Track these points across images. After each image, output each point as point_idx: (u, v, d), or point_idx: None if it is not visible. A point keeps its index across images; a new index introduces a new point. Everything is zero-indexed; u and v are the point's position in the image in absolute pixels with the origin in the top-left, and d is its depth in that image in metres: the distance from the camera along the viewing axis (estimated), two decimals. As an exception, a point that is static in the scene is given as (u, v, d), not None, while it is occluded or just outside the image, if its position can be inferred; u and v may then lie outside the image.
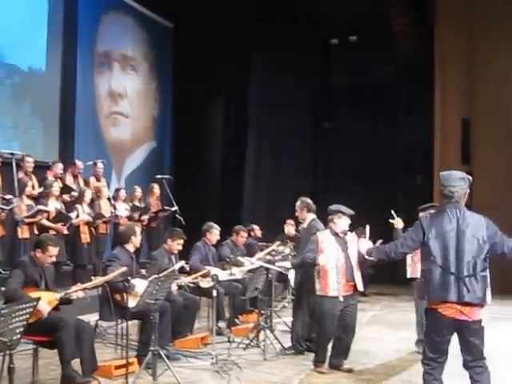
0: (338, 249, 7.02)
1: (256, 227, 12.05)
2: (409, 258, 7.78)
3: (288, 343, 8.00)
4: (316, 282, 7.06)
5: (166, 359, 6.50)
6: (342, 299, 6.93)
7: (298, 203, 8.03)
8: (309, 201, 8.02)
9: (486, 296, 4.96)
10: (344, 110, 17.27)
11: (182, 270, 8.49)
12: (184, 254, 8.82)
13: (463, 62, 15.68)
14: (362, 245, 6.59)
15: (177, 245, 8.26)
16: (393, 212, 7.20)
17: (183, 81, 16.14)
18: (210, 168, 17.42)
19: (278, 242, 9.87)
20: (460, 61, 15.67)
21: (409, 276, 8.16)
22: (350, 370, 7.06)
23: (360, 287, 7.12)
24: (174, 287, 7.84)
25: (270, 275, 8.16)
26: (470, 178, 5.16)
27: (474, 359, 4.93)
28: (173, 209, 12.10)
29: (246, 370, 7.07)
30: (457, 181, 5.08)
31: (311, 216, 7.93)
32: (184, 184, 14.68)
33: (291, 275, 9.13)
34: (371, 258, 5.68)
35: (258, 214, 15.99)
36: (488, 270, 4.98)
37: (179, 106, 16.73)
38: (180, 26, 16.52)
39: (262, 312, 8.35)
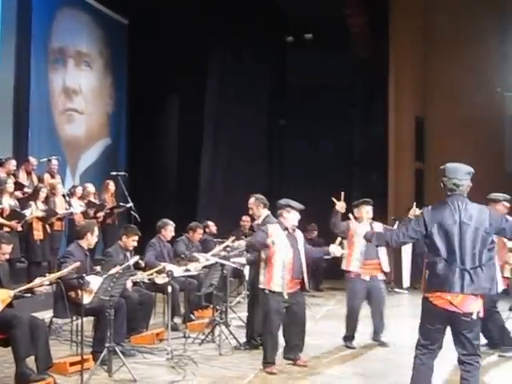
0: (287, 244, 6.98)
1: (211, 223, 12.08)
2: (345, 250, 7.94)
3: (243, 338, 8.05)
4: (261, 273, 7.02)
5: (121, 355, 6.51)
6: (286, 296, 6.88)
7: (253, 200, 8.01)
8: (262, 197, 8.07)
9: (493, 286, 5.16)
10: (299, 107, 17.40)
11: (137, 266, 8.49)
12: (139, 251, 8.81)
13: (417, 62, 15.96)
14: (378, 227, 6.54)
15: (132, 241, 8.26)
16: (342, 194, 7.39)
17: (138, 78, 16.06)
18: (165, 165, 17.39)
19: (232, 238, 9.91)
20: (414, 60, 15.95)
21: (343, 268, 8.32)
22: (304, 365, 7.09)
23: (306, 286, 7.07)
24: (129, 283, 7.84)
25: (225, 271, 8.20)
26: (473, 171, 5.19)
27: (466, 354, 4.96)
28: (128, 205, 12.07)
29: (201, 366, 7.10)
30: (463, 175, 5.12)
31: (266, 212, 7.94)
32: (139, 181, 14.62)
33: (246, 271, 9.19)
34: (375, 243, 5.72)
35: (213, 211, 16.01)
36: (495, 260, 5.10)
37: (134, 102, 16.65)
38: (135, 22, 16.43)
39: (217, 307, 8.39)
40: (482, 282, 4.90)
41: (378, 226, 8.28)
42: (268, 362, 6.93)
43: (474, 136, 15.27)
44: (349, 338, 8.29)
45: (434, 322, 5.01)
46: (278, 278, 6.88)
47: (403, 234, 5.20)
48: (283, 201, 7.20)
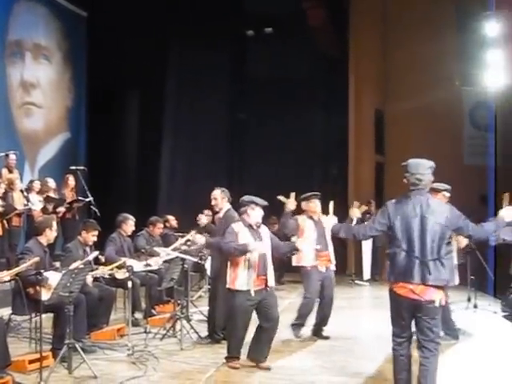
0: (252, 242, 6.87)
1: (171, 218, 12.04)
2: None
3: (205, 333, 8.05)
4: (227, 273, 6.90)
5: (81, 352, 6.45)
6: (253, 294, 6.75)
7: (218, 191, 7.98)
8: (227, 191, 8.07)
9: (452, 277, 5.38)
10: (260, 100, 17.39)
11: (97, 262, 8.42)
12: (99, 246, 8.75)
13: (377, 55, 16.10)
14: (327, 220, 6.54)
15: (91, 236, 8.21)
16: (293, 194, 7.44)
17: (98, 71, 15.88)
18: (125, 159, 17.28)
19: (193, 232, 9.86)
20: (374, 54, 16.08)
21: (294, 264, 8.34)
22: (268, 368, 6.85)
23: (271, 282, 6.93)
24: (90, 279, 7.79)
25: (185, 265, 8.20)
26: (434, 165, 5.36)
27: (426, 339, 5.15)
28: (87, 200, 11.95)
29: (162, 361, 7.08)
30: (425, 169, 5.31)
31: (227, 206, 7.98)
32: (99, 175, 14.48)
33: (208, 264, 9.18)
34: (342, 235, 5.73)
35: (173, 205, 15.97)
36: (454, 253, 5.39)
37: (94, 96, 16.48)
38: (94, 14, 16.24)
39: (179, 302, 8.38)
40: (441, 274, 5.09)
41: (327, 220, 7.89)
42: (231, 356, 6.90)
43: (432, 129, 15.48)
44: (298, 326, 8.35)
45: (400, 311, 5.20)
46: (243, 277, 6.77)
47: (370, 227, 5.41)
48: (247, 198, 7.11)
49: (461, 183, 8.71)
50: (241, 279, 6.78)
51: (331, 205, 6.83)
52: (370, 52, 16.04)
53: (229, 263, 6.93)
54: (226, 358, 6.94)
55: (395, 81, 16.00)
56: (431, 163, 5.35)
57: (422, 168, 5.30)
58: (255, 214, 7.01)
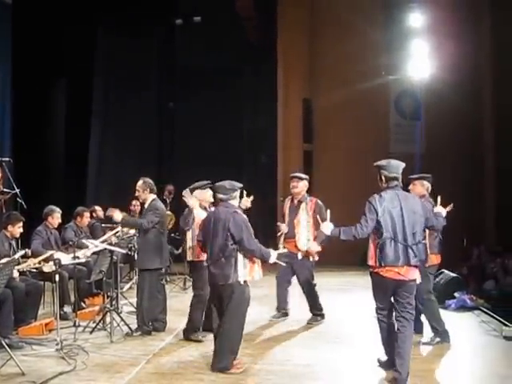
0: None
1: (98, 208, 11.86)
2: (189, 240, 7.75)
3: (135, 325, 8.00)
4: (238, 265, 6.46)
5: (7, 349, 6.34)
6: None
7: (141, 183, 8.00)
8: (151, 181, 8.03)
9: (426, 258, 6.85)
10: (189, 90, 17.29)
11: (23, 256, 8.24)
12: (26, 239, 8.58)
13: (305, 45, 16.20)
14: (324, 227, 6.55)
15: (18, 228, 8.09)
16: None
17: (24, 60, 15.46)
18: (52, 150, 16.91)
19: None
20: (302, 43, 16.18)
21: (189, 259, 7.87)
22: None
23: None
24: (16, 273, 7.62)
25: (114, 257, 8.10)
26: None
27: (403, 310, 6.05)
28: (14, 192, 11.67)
29: (92, 354, 7.01)
30: (401, 169, 6.25)
31: (152, 196, 7.98)
32: (25, 167, 14.12)
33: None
34: (343, 238, 6.21)
35: (103, 196, 15.76)
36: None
37: (19, 85, 16.02)
38: (19, 2, 15.76)
39: (108, 294, 8.30)
40: (421, 255, 6.17)
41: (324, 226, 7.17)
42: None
43: (360, 118, 15.72)
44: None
45: (385, 290, 6.12)
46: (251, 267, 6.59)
47: (365, 225, 6.04)
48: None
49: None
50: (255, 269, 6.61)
51: (328, 212, 6.72)
52: (298, 42, 16.11)
53: (239, 256, 6.51)
54: (233, 360, 6.53)
55: (323, 70, 16.13)
56: (404, 164, 6.30)
57: (400, 168, 6.24)
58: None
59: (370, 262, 6.10)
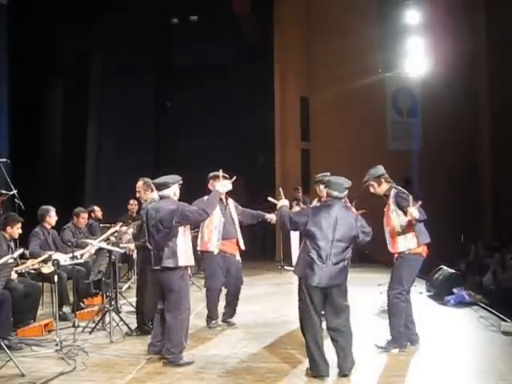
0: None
1: (96, 208, 11.85)
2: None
3: (135, 324, 7.99)
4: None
5: (6, 350, 6.33)
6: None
7: (141, 183, 7.98)
8: (151, 181, 8.01)
9: None
10: (186, 89, 17.31)
11: (22, 257, 8.24)
12: (24, 241, 8.57)
13: (301, 44, 16.22)
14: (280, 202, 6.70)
15: (16, 229, 8.09)
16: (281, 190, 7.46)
17: (20, 59, 15.47)
18: (50, 150, 16.92)
19: (120, 224, 9.74)
20: (298, 42, 16.20)
21: (202, 248, 8.32)
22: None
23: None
24: (14, 275, 7.61)
25: (113, 257, 8.10)
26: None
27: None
28: (11, 193, 11.66)
29: (92, 354, 6.99)
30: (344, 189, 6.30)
31: (152, 195, 7.94)
32: (23, 167, 14.15)
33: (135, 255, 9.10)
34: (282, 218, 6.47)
35: (100, 196, 15.76)
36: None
37: (16, 86, 16.04)
38: (15, 2, 15.74)
39: (107, 294, 8.29)
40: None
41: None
42: None
43: (357, 115, 15.75)
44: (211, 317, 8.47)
45: (418, 269, 7.10)
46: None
47: (296, 221, 6.34)
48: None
49: (386, 168, 8.87)
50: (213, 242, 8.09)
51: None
52: (294, 40, 16.13)
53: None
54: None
55: (320, 69, 16.15)
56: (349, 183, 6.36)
57: (343, 187, 6.30)
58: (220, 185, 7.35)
59: (412, 245, 6.86)
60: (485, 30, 15.24)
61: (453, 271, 10.44)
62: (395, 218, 7.05)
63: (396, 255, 7.06)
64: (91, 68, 17.18)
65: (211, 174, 8.32)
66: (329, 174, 8.07)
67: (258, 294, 10.57)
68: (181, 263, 6.60)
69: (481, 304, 9.49)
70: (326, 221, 6.10)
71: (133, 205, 12.04)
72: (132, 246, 8.25)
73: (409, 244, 6.90)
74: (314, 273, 6.04)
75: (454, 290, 9.90)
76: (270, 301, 10.15)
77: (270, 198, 7.51)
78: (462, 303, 9.60)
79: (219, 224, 8.16)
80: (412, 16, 14.76)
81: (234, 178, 7.72)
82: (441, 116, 15.34)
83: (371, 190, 7.30)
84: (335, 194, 6.24)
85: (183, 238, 6.68)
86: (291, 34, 16.03)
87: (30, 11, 14.94)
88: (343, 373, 6.13)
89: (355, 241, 6.23)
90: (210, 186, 8.25)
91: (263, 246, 16.08)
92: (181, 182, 6.89)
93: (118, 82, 16.98)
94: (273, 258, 15.45)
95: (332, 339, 6.23)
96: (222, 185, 7.23)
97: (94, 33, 17.10)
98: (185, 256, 6.64)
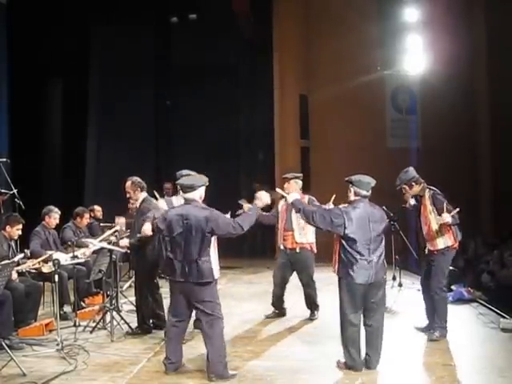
0: None
1: (97, 208, 11.86)
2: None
3: (135, 323, 8.01)
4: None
5: (8, 350, 6.36)
6: None
7: (129, 184, 7.97)
8: (139, 179, 8.01)
9: None
10: (185, 88, 17.32)
11: (23, 257, 8.26)
12: (24, 240, 8.59)
13: (300, 41, 16.19)
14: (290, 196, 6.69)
15: (16, 230, 8.10)
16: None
17: (19, 60, 15.46)
18: (50, 149, 16.94)
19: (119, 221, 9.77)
20: (297, 40, 16.17)
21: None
22: None
23: None
24: (15, 274, 7.64)
25: (113, 256, 8.12)
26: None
27: None
28: (11, 192, 11.68)
29: (93, 354, 7.02)
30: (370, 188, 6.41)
31: (143, 195, 7.97)
32: (23, 167, 14.16)
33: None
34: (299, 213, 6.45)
35: (101, 194, 15.78)
36: None
37: (16, 85, 16.04)
38: (14, 1, 15.75)
39: (108, 293, 8.31)
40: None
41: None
42: None
43: (356, 113, 15.73)
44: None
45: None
46: None
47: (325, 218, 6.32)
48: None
49: (385, 165, 8.94)
50: None
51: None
52: (293, 38, 16.10)
53: None
54: None
55: (319, 66, 16.13)
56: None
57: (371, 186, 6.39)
58: None
59: (449, 242, 7.42)
60: (484, 28, 15.23)
61: (452, 268, 10.43)
62: (433, 218, 7.46)
63: (435, 252, 7.51)
64: (90, 68, 17.17)
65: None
66: (299, 173, 8.59)
67: (258, 293, 10.60)
68: (216, 276, 6.25)
69: (480, 301, 9.51)
70: (362, 220, 6.24)
71: (133, 204, 12.04)
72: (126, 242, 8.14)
73: (447, 241, 7.45)
74: (359, 271, 6.18)
75: (453, 287, 9.91)
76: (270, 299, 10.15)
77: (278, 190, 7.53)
78: (461, 300, 9.62)
79: None
80: (411, 13, 14.74)
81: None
82: (440, 113, 15.33)
83: (404, 192, 7.60)
84: (364, 192, 6.37)
85: (213, 247, 6.29)
86: (290, 31, 16.01)
87: (30, 11, 14.94)
88: (372, 367, 6.34)
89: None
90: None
91: (263, 244, 16.09)
92: (207, 184, 6.44)
93: (117, 81, 16.97)
94: (272, 256, 15.46)
95: (366, 335, 6.38)
96: (261, 199, 6.52)
97: (92, 32, 17.10)
98: (217, 266, 6.29)
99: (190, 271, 6.07)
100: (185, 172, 7.48)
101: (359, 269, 6.17)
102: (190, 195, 6.21)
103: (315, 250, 8.73)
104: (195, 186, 6.21)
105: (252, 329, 8.22)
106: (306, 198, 8.50)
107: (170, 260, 6.21)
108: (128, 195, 8.02)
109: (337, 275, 6.35)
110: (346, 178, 6.91)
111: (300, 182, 8.50)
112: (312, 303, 8.85)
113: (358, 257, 6.16)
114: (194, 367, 6.53)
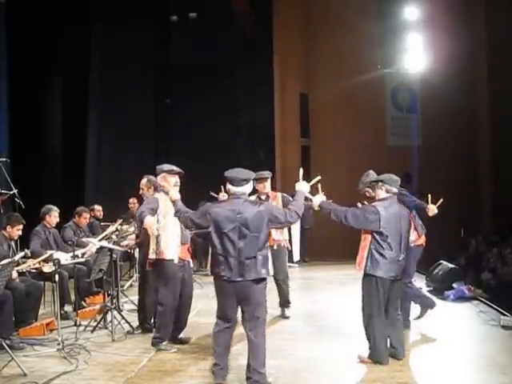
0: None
1: (97, 207, 11.87)
2: None
3: (136, 322, 8.00)
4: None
5: (8, 350, 6.34)
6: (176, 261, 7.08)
7: (145, 181, 7.97)
8: (155, 179, 7.94)
9: None
10: (186, 86, 17.31)
11: (23, 257, 8.24)
12: (25, 240, 8.58)
13: (301, 40, 16.21)
14: (315, 198, 6.60)
15: (17, 230, 8.08)
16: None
17: (19, 59, 15.46)
18: (50, 149, 16.92)
19: (119, 221, 9.74)
20: (298, 38, 16.19)
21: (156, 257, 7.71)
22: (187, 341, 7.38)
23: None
24: (15, 274, 7.62)
25: (114, 255, 8.10)
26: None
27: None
28: (11, 192, 11.67)
29: (94, 353, 7.00)
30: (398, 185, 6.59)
31: (155, 195, 7.93)
32: (23, 167, 14.15)
33: (137, 253, 9.11)
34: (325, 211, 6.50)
35: (101, 193, 15.78)
36: None
37: (16, 85, 16.04)
38: (14, 0, 15.75)
39: (109, 293, 8.30)
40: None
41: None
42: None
43: (356, 111, 15.75)
44: None
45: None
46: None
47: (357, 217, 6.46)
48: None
49: (385, 163, 8.93)
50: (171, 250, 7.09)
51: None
52: (293, 37, 16.12)
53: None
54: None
55: (319, 65, 16.14)
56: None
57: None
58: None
59: (412, 237, 7.34)
60: (484, 26, 15.23)
61: (453, 266, 10.46)
62: None
63: None
64: (90, 67, 17.16)
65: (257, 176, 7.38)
66: (269, 172, 8.62)
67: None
68: (271, 271, 6.00)
69: (481, 299, 9.52)
70: (395, 217, 6.43)
71: (132, 203, 12.07)
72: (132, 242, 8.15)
73: (410, 237, 7.10)
74: (389, 266, 6.36)
75: (454, 285, 9.93)
76: (272, 296, 10.14)
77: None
78: (462, 298, 9.64)
79: (176, 227, 7.15)
80: (411, 12, 14.77)
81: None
82: (440, 112, 15.35)
83: (368, 196, 7.49)
84: (394, 190, 6.56)
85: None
86: (290, 30, 16.02)
87: (30, 10, 14.92)
88: (399, 358, 6.52)
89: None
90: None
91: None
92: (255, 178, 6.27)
93: (117, 80, 16.96)
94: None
95: (391, 328, 6.52)
96: (304, 185, 6.22)
97: (92, 31, 17.09)
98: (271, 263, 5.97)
99: (248, 268, 5.61)
100: (166, 167, 7.27)
101: (389, 264, 6.36)
102: (242, 189, 5.74)
103: (290, 247, 8.80)
104: (249, 179, 5.81)
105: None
106: (279, 195, 8.61)
107: (222, 258, 5.66)
108: (141, 191, 8.01)
109: (363, 271, 6.48)
110: (373, 179, 6.94)
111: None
112: (286, 301, 8.82)
113: (389, 252, 6.35)
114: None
